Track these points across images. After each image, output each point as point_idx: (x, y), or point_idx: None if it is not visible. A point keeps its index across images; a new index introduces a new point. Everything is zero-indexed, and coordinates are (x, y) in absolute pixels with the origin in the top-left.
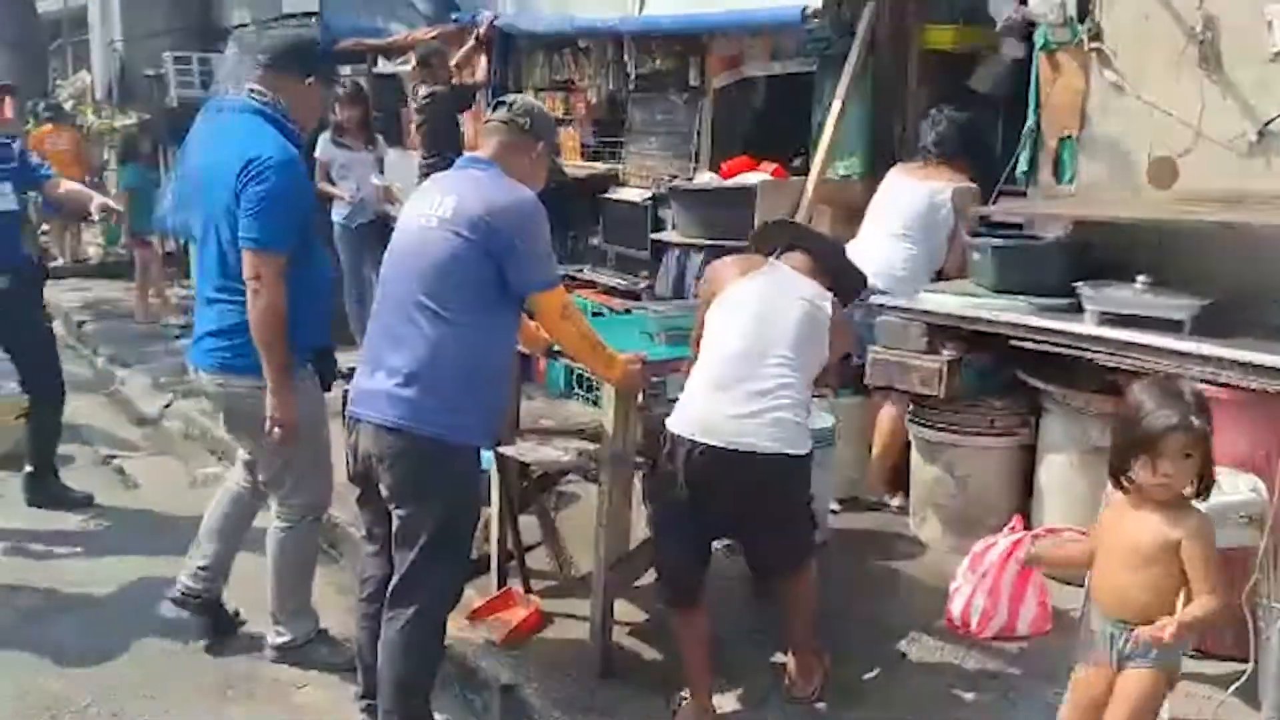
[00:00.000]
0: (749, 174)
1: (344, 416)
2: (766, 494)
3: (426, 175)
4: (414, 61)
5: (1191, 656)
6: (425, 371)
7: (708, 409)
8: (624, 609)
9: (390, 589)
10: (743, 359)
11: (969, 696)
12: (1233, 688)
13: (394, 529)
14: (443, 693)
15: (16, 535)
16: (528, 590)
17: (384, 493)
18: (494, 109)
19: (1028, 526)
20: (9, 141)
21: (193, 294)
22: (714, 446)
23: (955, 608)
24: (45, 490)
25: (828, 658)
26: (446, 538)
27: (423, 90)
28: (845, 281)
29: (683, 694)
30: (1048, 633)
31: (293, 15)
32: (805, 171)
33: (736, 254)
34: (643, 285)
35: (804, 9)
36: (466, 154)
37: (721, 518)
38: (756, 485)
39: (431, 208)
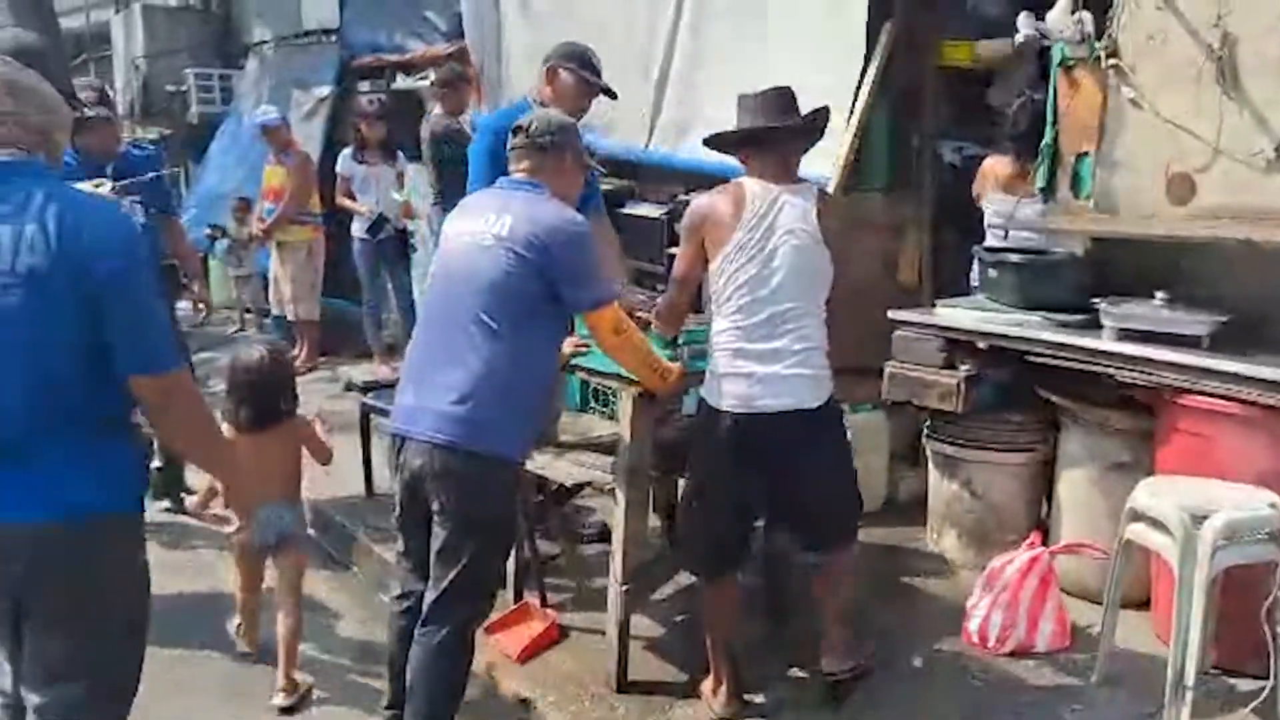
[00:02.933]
0: None
1: (362, 429)
2: (798, 451)
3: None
4: (435, 82)
5: (1210, 674)
6: (479, 389)
7: (737, 377)
8: (640, 622)
9: (427, 605)
10: (756, 324)
11: (986, 712)
12: (1251, 706)
13: (438, 545)
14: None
15: None
16: (544, 604)
17: (434, 508)
18: (513, 134)
19: (1046, 542)
20: (142, 153)
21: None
22: (745, 414)
23: (973, 623)
24: (176, 485)
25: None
26: (488, 554)
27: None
28: (816, 138)
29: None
30: (1066, 649)
31: (312, 32)
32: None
33: (721, 189)
34: (659, 299)
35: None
36: (508, 176)
37: (763, 485)
38: (788, 445)
39: (486, 225)
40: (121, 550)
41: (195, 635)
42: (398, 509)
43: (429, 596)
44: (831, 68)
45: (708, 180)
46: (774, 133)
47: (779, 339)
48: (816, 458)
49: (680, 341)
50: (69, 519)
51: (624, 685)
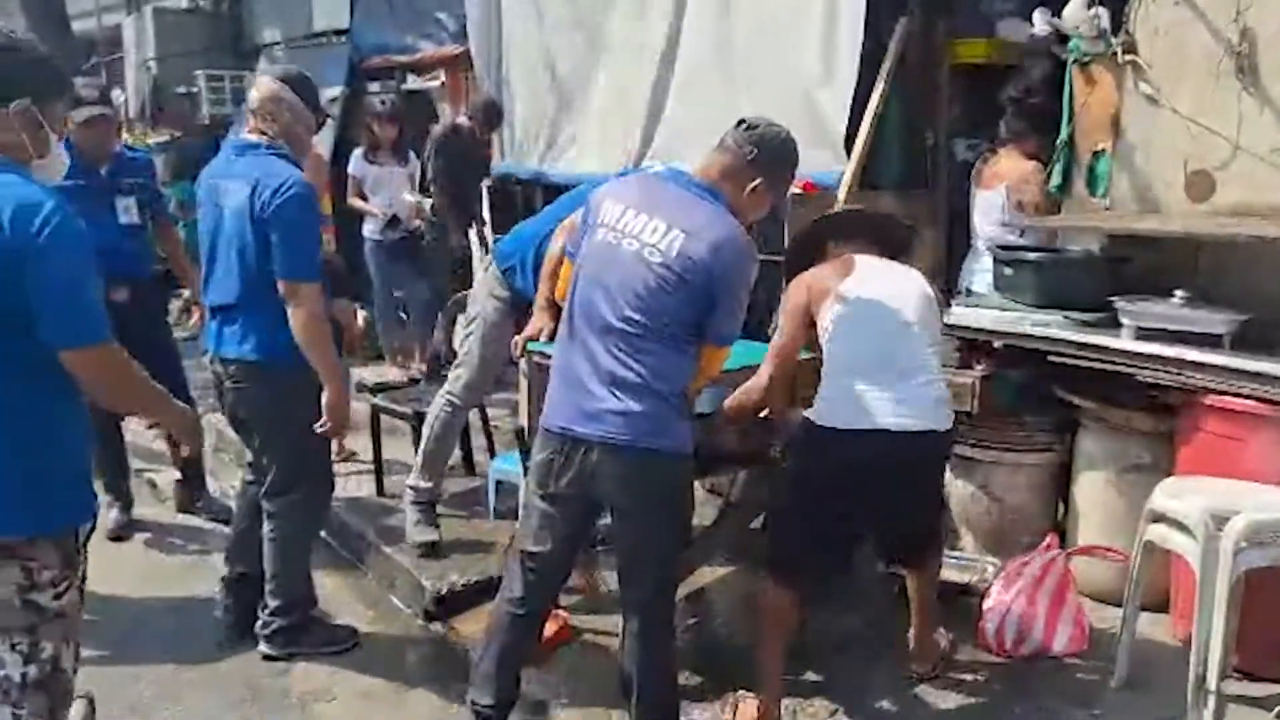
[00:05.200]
0: None
1: (372, 430)
2: (925, 472)
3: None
4: (474, 106)
5: (1233, 678)
6: (651, 388)
7: (868, 399)
8: None
9: (638, 605)
10: (890, 351)
11: (1003, 716)
12: (1276, 710)
13: (628, 544)
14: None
15: None
16: (556, 605)
17: (617, 507)
18: (736, 126)
19: (1063, 544)
20: (134, 157)
21: None
22: (885, 431)
23: (989, 627)
24: (195, 497)
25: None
26: (675, 547)
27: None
28: (909, 249)
29: (738, 695)
30: (1084, 653)
31: (322, 34)
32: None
33: (817, 267)
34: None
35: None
36: (692, 175)
37: (871, 505)
38: (918, 463)
39: (652, 236)
40: (290, 380)
41: (206, 637)
42: (545, 512)
43: (639, 611)
44: (828, 82)
45: None
46: (881, 228)
47: (917, 361)
48: (931, 480)
49: None
50: (261, 357)
51: None
